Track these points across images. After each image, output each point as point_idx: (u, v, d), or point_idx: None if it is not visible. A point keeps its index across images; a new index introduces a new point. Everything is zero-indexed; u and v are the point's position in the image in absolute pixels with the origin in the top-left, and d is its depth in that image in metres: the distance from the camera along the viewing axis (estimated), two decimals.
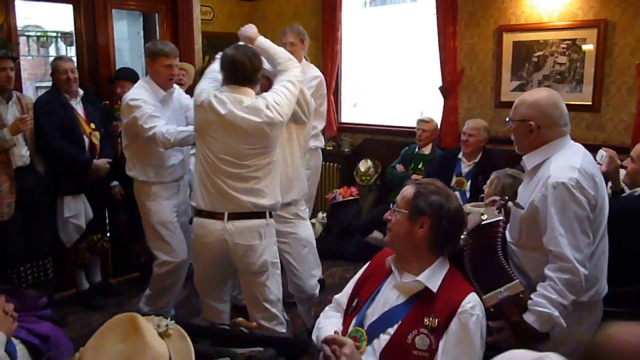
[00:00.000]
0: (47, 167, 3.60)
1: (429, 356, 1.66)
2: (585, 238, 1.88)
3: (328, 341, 1.68)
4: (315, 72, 3.72)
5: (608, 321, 2.06)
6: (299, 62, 2.97)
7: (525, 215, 2.00)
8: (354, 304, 1.89)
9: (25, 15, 5.89)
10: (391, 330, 1.71)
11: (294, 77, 2.74)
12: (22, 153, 3.46)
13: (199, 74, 3.84)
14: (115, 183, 3.96)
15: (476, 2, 4.62)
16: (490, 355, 1.74)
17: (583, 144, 2.08)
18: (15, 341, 1.96)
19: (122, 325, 1.39)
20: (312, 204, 4.08)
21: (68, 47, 5.81)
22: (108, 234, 4.13)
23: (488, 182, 2.63)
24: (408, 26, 5.38)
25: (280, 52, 2.83)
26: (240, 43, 2.86)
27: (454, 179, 4.24)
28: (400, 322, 1.71)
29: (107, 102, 4.15)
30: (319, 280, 3.29)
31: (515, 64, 4.48)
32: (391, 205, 1.87)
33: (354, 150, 5.62)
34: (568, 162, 1.93)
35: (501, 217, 2.02)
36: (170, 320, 1.53)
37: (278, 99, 2.60)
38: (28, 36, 5.82)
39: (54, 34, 6.03)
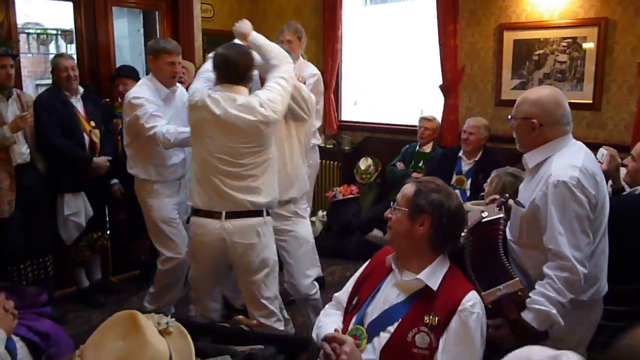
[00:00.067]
0: (47, 164, 3.60)
1: (429, 354, 1.66)
2: (584, 237, 1.88)
3: (328, 339, 1.67)
4: (313, 69, 3.71)
5: (608, 320, 2.08)
6: (296, 59, 2.96)
7: (526, 213, 1.99)
8: (354, 302, 1.89)
9: (26, 12, 5.90)
10: (391, 329, 1.71)
11: (286, 73, 2.72)
12: (22, 151, 3.46)
13: None
14: (115, 181, 3.95)
15: (477, 0, 4.61)
16: (490, 353, 1.75)
17: (583, 143, 2.07)
18: (15, 338, 1.96)
19: (122, 322, 1.39)
20: (311, 202, 4.08)
21: (68, 45, 5.80)
22: (108, 232, 4.12)
23: (488, 180, 2.63)
24: (408, 24, 5.37)
25: (273, 47, 2.81)
26: (236, 41, 2.86)
27: (454, 178, 4.23)
28: (400, 320, 1.71)
29: (107, 99, 4.14)
30: (319, 279, 3.28)
31: (515, 63, 4.47)
32: (391, 204, 1.86)
33: (354, 149, 5.62)
34: (570, 161, 1.93)
35: (502, 215, 2.02)
36: (171, 317, 1.53)
37: (271, 96, 2.59)
38: (28, 34, 5.82)
39: (54, 32, 6.02)
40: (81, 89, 3.73)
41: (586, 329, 2.07)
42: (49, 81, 3.84)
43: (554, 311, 1.82)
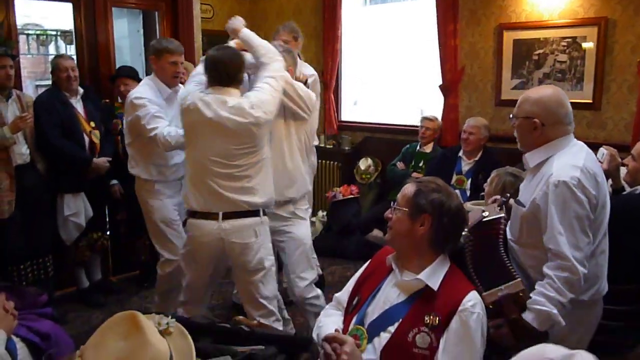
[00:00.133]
0: (47, 165, 3.60)
1: (429, 354, 1.66)
2: (584, 237, 1.88)
3: (329, 339, 1.67)
4: (310, 70, 3.70)
5: (608, 320, 2.08)
6: (296, 59, 2.95)
7: (526, 213, 1.99)
8: (354, 302, 1.89)
9: (25, 13, 5.89)
10: (392, 329, 1.71)
11: (276, 71, 2.71)
12: (22, 151, 3.46)
13: None
14: (114, 182, 3.96)
15: (477, 0, 4.61)
16: (490, 353, 1.75)
17: (584, 142, 2.07)
18: (15, 339, 1.96)
19: (123, 323, 1.39)
20: (311, 202, 4.07)
21: (68, 46, 5.78)
22: (108, 232, 4.13)
23: (488, 180, 2.62)
24: (408, 24, 5.37)
25: (263, 44, 2.80)
26: (231, 42, 2.85)
27: (455, 177, 4.24)
28: (400, 320, 1.71)
29: (107, 100, 4.14)
30: (319, 279, 3.27)
31: (515, 62, 4.48)
32: (392, 204, 1.86)
33: (354, 149, 5.62)
34: (570, 161, 1.93)
35: (502, 214, 2.02)
36: (171, 318, 1.53)
37: (262, 97, 2.59)
38: (28, 34, 5.80)
39: (54, 32, 6.01)
40: (81, 90, 3.73)
41: (586, 329, 2.06)
42: (49, 82, 3.84)
43: (555, 311, 1.82)
